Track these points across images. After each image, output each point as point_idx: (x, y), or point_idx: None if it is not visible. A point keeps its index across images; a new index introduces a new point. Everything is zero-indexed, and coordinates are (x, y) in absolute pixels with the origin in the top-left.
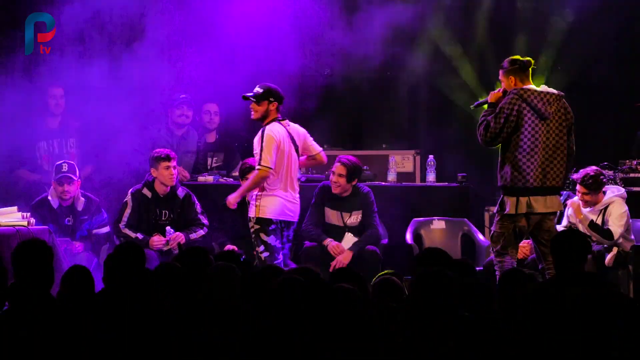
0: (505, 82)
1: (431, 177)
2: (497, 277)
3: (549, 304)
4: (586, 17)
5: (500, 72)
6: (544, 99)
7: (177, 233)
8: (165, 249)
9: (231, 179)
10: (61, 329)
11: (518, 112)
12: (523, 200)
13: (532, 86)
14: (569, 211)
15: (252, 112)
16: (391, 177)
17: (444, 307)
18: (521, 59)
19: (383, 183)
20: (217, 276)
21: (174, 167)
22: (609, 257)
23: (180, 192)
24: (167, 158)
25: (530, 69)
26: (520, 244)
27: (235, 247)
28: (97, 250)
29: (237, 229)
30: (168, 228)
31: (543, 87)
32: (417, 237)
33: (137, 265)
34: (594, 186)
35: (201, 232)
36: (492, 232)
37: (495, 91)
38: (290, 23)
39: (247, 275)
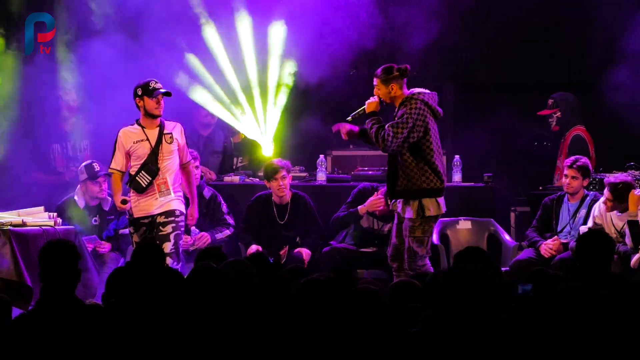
0: (383, 90)
1: (457, 177)
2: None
3: (575, 305)
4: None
5: (377, 80)
6: (434, 99)
7: (203, 233)
8: (191, 249)
9: (257, 179)
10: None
11: (424, 117)
12: (440, 200)
13: (422, 89)
14: (595, 212)
15: (162, 109)
16: None
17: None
18: (398, 66)
19: None
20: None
21: (196, 167)
22: (635, 259)
23: (207, 192)
24: None
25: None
26: (548, 243)
27: (259, 248)
28: (124, 250)
29: (263, 229)
30: (193, 228)
31: (422, 89)
32: (443, 237)
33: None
34: (622, 196)
35: (227, 232)
36: (415, 237)
37: (371, 100)
38: (312, 23)
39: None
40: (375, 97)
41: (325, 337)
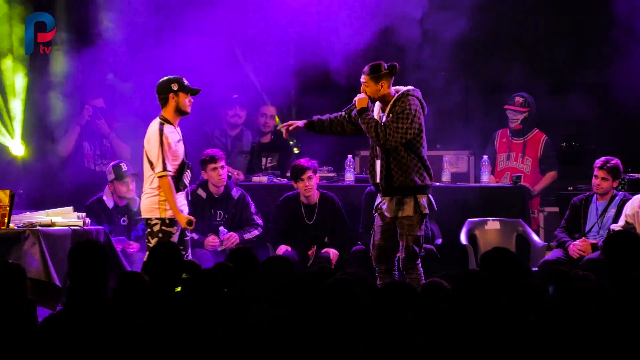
0: (372, 88)
1: (485, 177)
2: (422, 279)
3: (600, 306)
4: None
5: (366, 77)
6: (420, 96)
7: (231, 233)
8: (219, 249)
9: (285, 180)
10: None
11: (419, 114)
12: (430, 197)
13: (410, 87)
14: (627, 210)
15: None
16: (445, 177)
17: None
18: (386, 64)
19: (437, 183)
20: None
21: (222, 167)
22: None
23: (235, 192)
24: (213, 159)
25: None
26: (576, 244)
27: (289, 248)
28: None
29: (291, 229)
30: (221, 228)
31: (410, 87)
32: (471, 237)
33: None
34: None
35: (255, 233)
36: (414, 236)
37: (361, 97)
38: (335, 21)
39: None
40: (363, 94)
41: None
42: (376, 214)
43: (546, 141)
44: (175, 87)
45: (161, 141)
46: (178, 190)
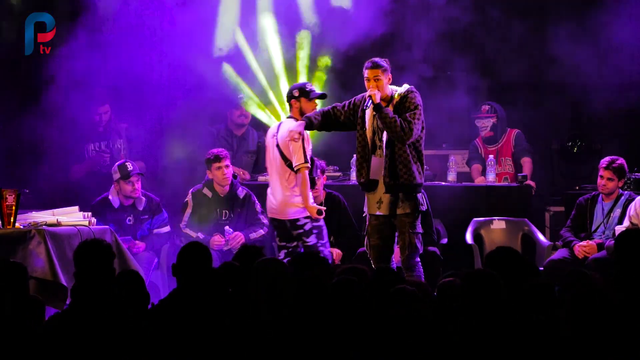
0: (382, 82)
1: (491, 176)
2: (422, 277)
3: (606, 304)
4: None
5: (378, 72)
6: None
7: (237, 233)
8: (225, 248)
9: None
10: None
11: (422, 111)
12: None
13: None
14: (631, 211)
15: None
16: (451, 177)
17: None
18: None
19: (443, 183)
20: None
21: (227, 167)
22: None
23: (240, 191)
24: (217, 159)
25: None
26: (583, 244)
27: None
28: (158, 250)
29: None
30: (227, 228)
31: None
32: (477, 237)
33: (204, 265)
34: None
35: (261, 232)
36: (415, 233)
37: (374, 92)
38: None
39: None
40: (374, 89)
41: (358, 336)
42: (367, 214)
43: (517, 134)
44: (296, 93)
45: (303, 136)
46: (313, 185)
